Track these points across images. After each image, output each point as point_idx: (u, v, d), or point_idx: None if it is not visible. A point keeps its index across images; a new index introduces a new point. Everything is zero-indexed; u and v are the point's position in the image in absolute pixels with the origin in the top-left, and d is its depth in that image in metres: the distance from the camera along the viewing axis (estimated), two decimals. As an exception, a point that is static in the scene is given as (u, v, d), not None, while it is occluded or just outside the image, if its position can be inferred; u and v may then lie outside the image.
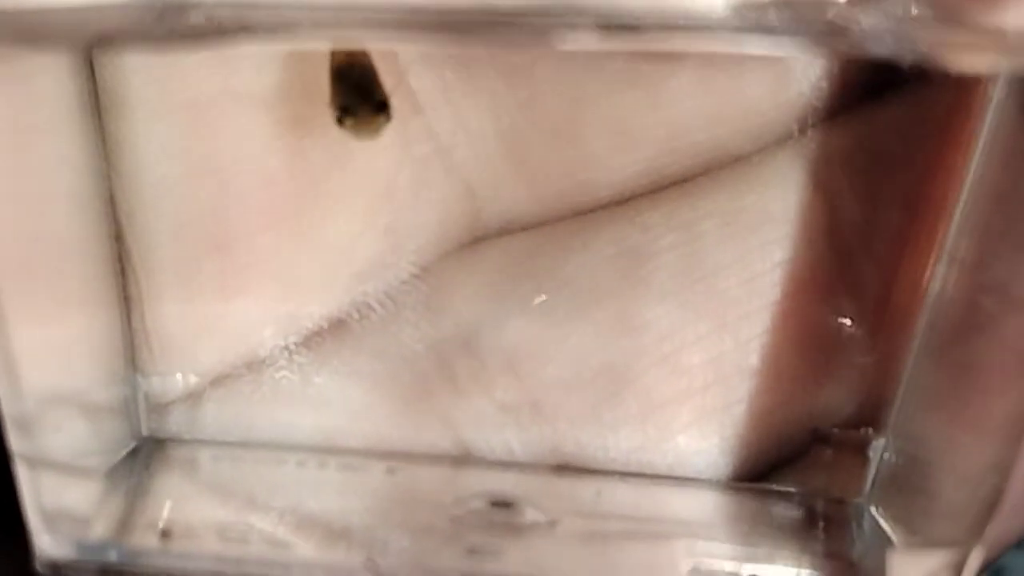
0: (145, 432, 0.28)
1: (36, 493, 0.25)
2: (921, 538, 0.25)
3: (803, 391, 0.27)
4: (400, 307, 0.27)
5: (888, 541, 0.26)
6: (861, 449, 0.26)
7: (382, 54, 0.24)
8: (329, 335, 0.27)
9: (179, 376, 0.27)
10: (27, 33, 0.21)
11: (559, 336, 0.27)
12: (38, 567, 0.26)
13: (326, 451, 0.27)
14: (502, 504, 0.27)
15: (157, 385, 0.27)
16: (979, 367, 0.23)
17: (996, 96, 0.22)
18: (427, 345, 0.27)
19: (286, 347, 0.27)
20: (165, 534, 0.26)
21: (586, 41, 0.20)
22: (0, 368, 0.24)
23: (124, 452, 0.27)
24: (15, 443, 0.24)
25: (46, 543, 0.25)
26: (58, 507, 0.25)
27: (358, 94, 0.24)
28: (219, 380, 0.27)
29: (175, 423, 0.28)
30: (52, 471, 0.25)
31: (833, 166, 0.25)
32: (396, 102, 0.25)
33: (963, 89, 0.23)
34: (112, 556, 0.26)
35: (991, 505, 0.23)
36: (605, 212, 0.27)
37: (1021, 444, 0.23)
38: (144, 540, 0.26)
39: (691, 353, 0.26)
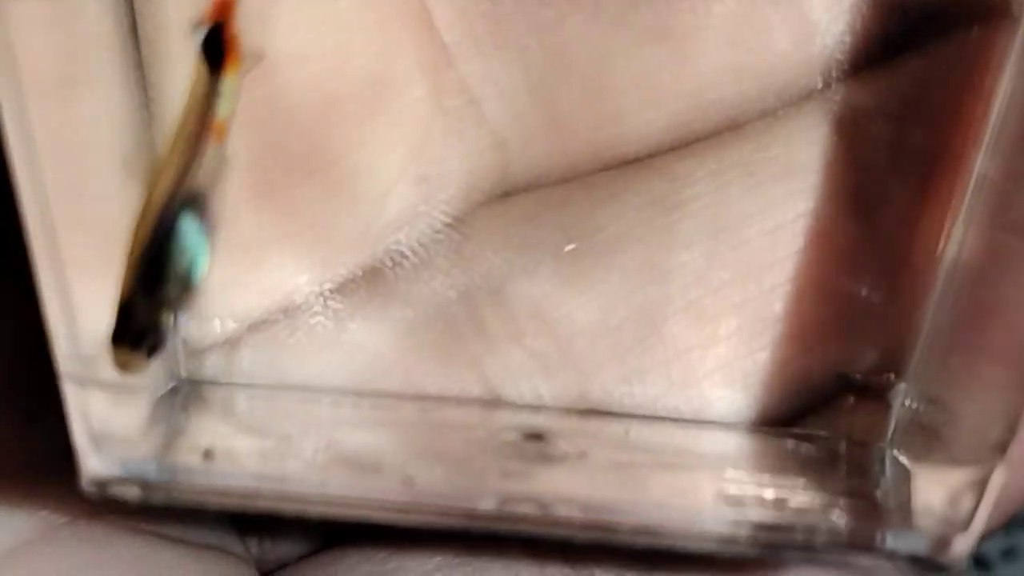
0: (183, 374, 0.28)
1: (84, 416, 0.26)
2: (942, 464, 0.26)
3: (826, 338, 0.27)
4: (432, 255, 0.27)
5: (909, 480, 0.26)
6: (883, 394, 0.27)
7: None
8: (363, 282, 0.28)
9: (217, 322, 0.28)
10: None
11: (587, 284, 0.27)
12: (84, 486, 0.26)
13: (359, 393, 0.28)
14: (534, 436, 0.27)
15: (196, 330, 0.28)
16: (1002, 302, 0.24)
17: (1019, 42, 0.23)
18: (458, 293, 0.28)
19: (321, 294, 0.28)
20: (207, 455, 0.27)
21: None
22: (58, 313, 0.25)
23: (162, 392, 0.28)
24: (65, 370, 0.25)
25: (92, 464, 0.26)
26: (104, 429, 0.26)
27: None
28: (256, 325, 0.28)
29: (213, 366, 0.28)
30: (99, 394, 0.26)
31: (856, 119, 0.26)
32: (431, 55, 0.26)
33: (984, 40, 0.24)
34: (155, 474, 0.26)
35: (1013, 422, 0.24)
36: (632, 164, 0.27)
37: None
38: (187, 460, 0.27)
39: (715, 300, 0.27)
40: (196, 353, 0.28)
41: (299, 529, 0.30)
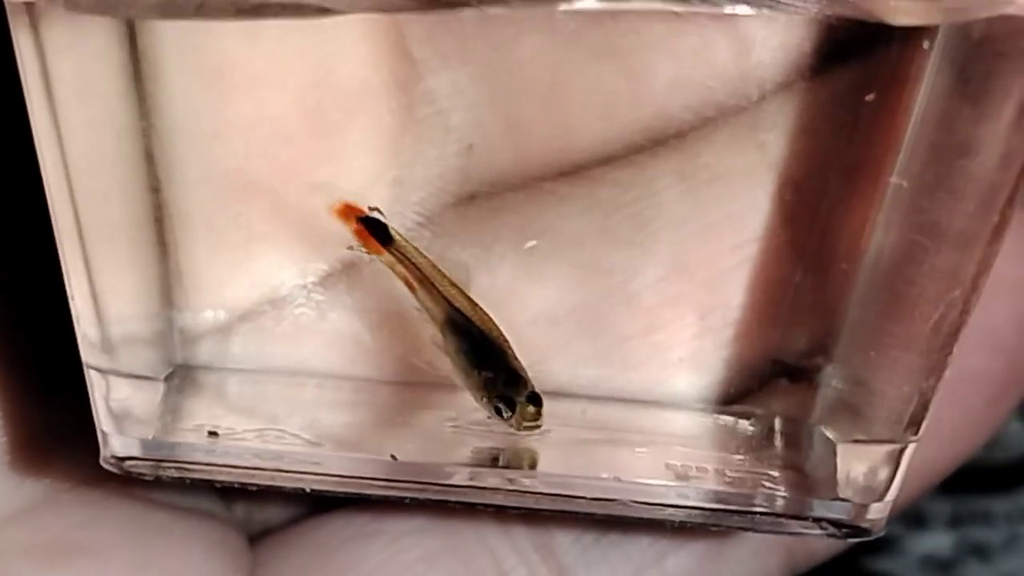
0: (179, 360, 0.30)
1: (105, 401, 0.28)
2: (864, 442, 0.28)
3: (757, 327, 0.30)
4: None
5: (835, 454, 0.29)
6: (812, 376, 0.29)
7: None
8: (343, 276, 0.30)
9: (210, 312, 0.30)
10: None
11: (538, 278, 0.30)
12: (104, 463, 0.29)
13: (340, 377, 0.30)
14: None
15: (190, 320, 0.30)
16: (914, 293, 0.26)
17: (932, 62, 0.25)
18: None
19: (305, 286, 0.30)
20: (212, 434, 0.29)
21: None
22: (84, 307, 0.27)
23: (163, 376, 0.30)
24: (87, 358, 0.27)
25: (114, 444, 0.28)
26: (123, 413, 0.28)
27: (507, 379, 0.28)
28: (245, 316, 0.30)
29: (206, 353, 0.30)
30: (119, 382, 0.28)
31: (785, 127, 0.28)
32: (403, 69, 0.27)
33: (904, 58, 0.26)
34: (168, 452, 0.29)
35: (925, 403, 0.27)
36: (580, 170, 0.29)
37: (948, 351, 0.26)
38: (195, 439, 0.29)
39: (651, 294, 0.29)
40: (191, 341, 0.30)
41: (283, 495, 0.32)
